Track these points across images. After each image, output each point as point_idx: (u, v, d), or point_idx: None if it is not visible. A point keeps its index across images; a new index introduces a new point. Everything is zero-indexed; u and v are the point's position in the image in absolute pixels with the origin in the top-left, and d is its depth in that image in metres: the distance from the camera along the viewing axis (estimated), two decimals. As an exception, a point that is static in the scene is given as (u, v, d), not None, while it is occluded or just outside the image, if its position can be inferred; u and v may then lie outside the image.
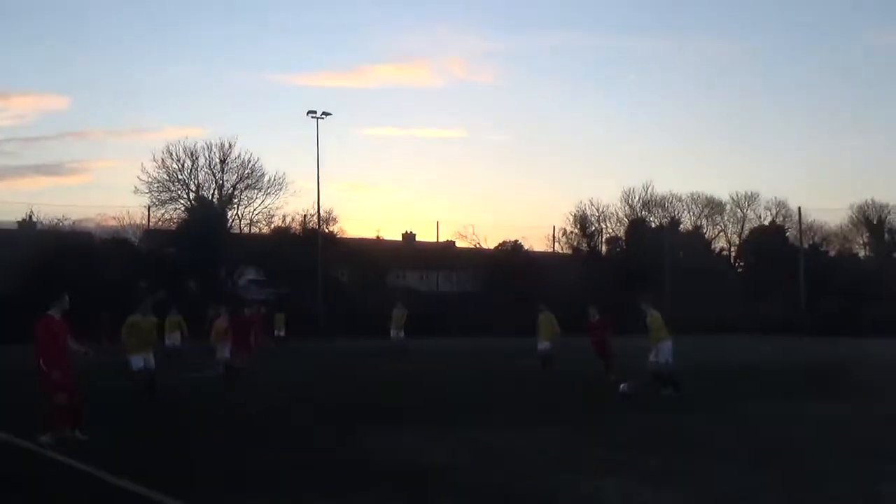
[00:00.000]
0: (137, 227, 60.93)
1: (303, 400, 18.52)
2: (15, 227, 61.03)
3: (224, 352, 22.06)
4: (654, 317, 17.78)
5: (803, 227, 72.10)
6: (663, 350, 17.59)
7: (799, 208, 71.75)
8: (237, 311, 24.41)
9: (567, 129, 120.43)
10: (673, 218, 78.68)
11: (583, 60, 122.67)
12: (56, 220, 58.85)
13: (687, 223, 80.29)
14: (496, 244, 72.45)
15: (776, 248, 73.04)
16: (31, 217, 60.60)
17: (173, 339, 27.32)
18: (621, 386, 17.68)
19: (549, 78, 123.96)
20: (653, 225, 77.81)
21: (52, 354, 12.36)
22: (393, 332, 32.40)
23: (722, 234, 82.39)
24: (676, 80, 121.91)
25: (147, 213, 61.06)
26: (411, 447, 11.89)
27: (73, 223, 59.16)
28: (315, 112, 59.36)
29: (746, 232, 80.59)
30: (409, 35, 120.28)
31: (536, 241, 77.22)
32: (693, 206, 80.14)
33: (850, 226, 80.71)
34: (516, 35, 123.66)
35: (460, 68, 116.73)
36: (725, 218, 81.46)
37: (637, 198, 77.82)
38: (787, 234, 77.20)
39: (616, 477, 9.76)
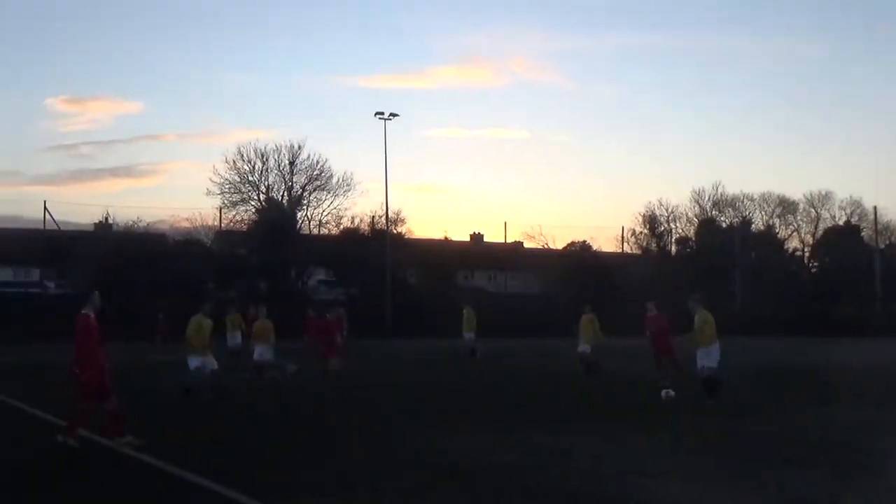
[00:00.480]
0: (209, 228, 61.86)
1: (369, 401, 18.63)
2: (91, 228, 62.51)
3: (262, 352, 22.17)
4: (701, 317, 17.05)
5: (879, 226, 70.58)
6: (708, 353, 16.87)
7: (875, 207, 70.36)
8: (319, 313, 24.40)
9: (633, 128, 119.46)
10: (744, 218, 77.48)
11: (648, 58, 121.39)
12: (131, 222, 60.08)
13: (759, 223, 79.03)
14: (564, 244, 72.21)
15: (851, 248, 71.59)
16: (106, 219, 61.95)
17: (235, 338, 27.08)
18: (663, 392, 17.34)
19: (614, 77, 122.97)
20: (723, 225, 76.82)
21: (94, 355, 12.23)
22: (467, 335, 32.25)
23: (795, 234, 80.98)
24: (746, 78, 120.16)
25: (219, 215, 62.02)
26: (479, 447, 11.92)
27: (148, 225, 60.35)
28: (382, 113, 59.78)
29: (820, 232, 79.10)
30: (473, 36, 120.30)
31: (605, 242, 76.67)
32: (765, 206, 78.80)
33: (927, 225, 78.80)
34: (580, 34, 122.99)
35: (524, 68, 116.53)
36: (798, 218, 79.95)
37: (707, 198, 76.85)
38: (863, 233, 75.56)
39: (684, 481, 9.69)
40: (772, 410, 16.29)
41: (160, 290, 47.18)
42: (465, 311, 32.28)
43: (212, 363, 17.67)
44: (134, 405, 14.32)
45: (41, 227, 62.11)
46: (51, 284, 55.61)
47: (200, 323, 17.58)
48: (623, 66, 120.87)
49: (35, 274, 58.75)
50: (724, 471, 10.22)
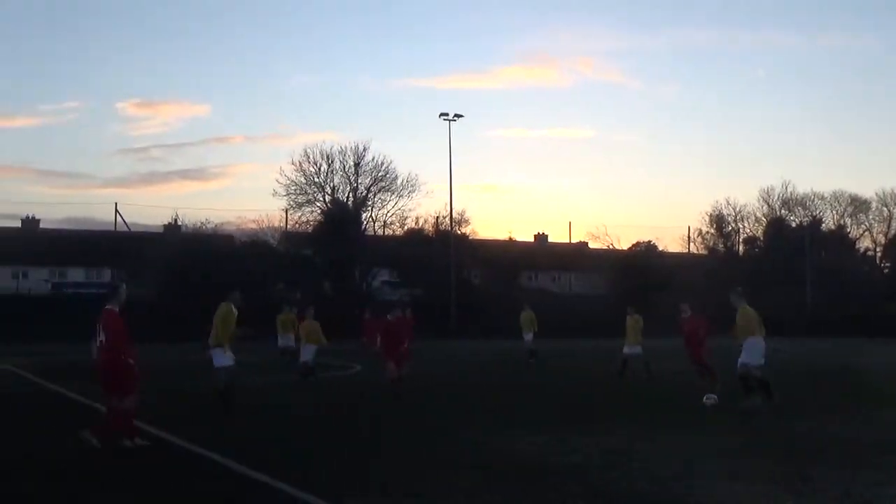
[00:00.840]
0: (275, 229, 62.72)
1: (431, 401, 18.68)
2: (161, 230, 63.77)
3: (308, 353, 22.24)
4: (743, 310, 16.37)
5: (955, 225, 68.91)
6: (748, 350, 16.13)
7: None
8: (376, 315, 24.24)
9: (699, 126, 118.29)
10: (814, 217, 76.26)
11: (713, 57, 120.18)
12: (199, 224, 61.11)
13: (829, 222, 77.77)
14: (630, 245, 71.72)
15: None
16: (175, 221, 63.19)
17: (287, 339, 26.84)
18: (706, 397, 16.99)
19: (679, 76, 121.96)
20: (793, 225, 75.63)
21: (118, 350, 11.82)
22: (527, 336, 32.10)
23: (867, 233, 79.45)
24: (815, 75, 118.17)
25: (285, 216, 62.81)
26: (540, 448, 11.91)
27: (215, 226, 61.32)
28: (447, 114, 59.95)
29: (893, 231, 77.47)
30: (538, 36, 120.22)
31: (671, 242, 76.02)
32: (836, 205, 77.56)
33: None
34: (645, 33, 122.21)
35: (589, 68, 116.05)
36: (871, 217, 78.54)
37: (776, 196, 75.85)
38: (938, 232, 73.95)
39: (742, 482, 9.57)
40: (825, 411, 16.00)
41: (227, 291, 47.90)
42: (522, 312, 32.05)
43: (232, 357, 15.88)
44: (187, 402, 14.41)
45: (112, 228, 63.66)
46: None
47: (226, 312, 15.76)
48: (688, 65, 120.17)
49: (107, 275, 60.13)
50: (780, 471, 10.07)
